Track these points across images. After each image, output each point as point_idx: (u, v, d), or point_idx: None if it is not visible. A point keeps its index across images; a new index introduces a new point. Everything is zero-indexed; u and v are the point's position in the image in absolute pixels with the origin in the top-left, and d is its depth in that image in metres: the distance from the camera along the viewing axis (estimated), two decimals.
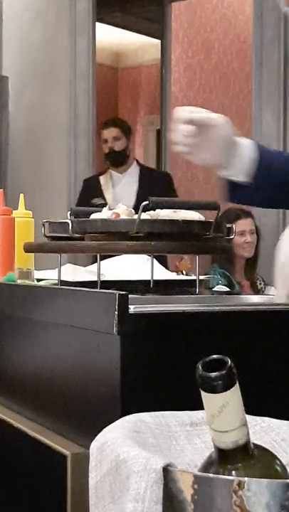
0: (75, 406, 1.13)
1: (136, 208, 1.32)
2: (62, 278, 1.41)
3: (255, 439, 0.77)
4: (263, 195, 1.36)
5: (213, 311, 1.07)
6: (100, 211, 1.44)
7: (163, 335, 1.02)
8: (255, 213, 3.77)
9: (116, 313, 0.97)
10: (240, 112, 6.14)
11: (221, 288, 2.28)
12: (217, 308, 1.09)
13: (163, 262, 1.87)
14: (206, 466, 0.75)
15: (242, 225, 3.66)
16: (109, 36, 6.36)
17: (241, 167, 1.31)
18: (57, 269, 1.42)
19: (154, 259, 1.38)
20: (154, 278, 1.40)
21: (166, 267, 2.00)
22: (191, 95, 6.70)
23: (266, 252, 3.74)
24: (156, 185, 4.01)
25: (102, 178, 4.28)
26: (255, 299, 1.44)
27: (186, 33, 6.69)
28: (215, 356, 0.71)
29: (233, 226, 1.43)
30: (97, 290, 1.23)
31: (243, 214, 3.68)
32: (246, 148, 1.31)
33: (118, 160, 4.25)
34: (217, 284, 2.95)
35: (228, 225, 1.41)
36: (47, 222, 1.45)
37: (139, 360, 0.99)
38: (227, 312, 1.09)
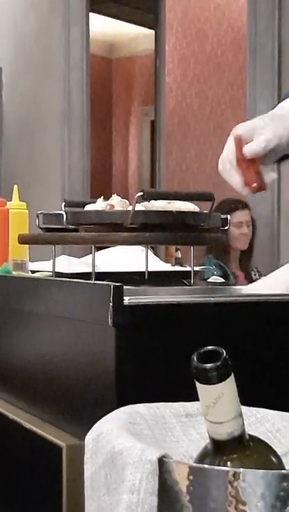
0: (70, 397, 1.13)
1: None
2: (57, 270, 1.41)
3: (250, 430, 0.77)
4: None
5: (208, 302, 1.07)
6: (95, 202, 1.44)
7: (158, 326, 1.02)
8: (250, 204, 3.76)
9: (111, 304, 0.97)
10: (234, 102, 6.14)
11: (215, 279, 2.28)
12: (212, 299, 1.09)
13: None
14: (202, 457, 0.75)
15: (240, 216, 3.62)
16: (103, 27, 6.33)
17: None
18: (51, 260, 1.42)
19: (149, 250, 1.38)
20: (149, 269, 1.40)
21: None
22: (185, 86, 6.69)
23: (261, 242, 3.74)
24: None
25: None
26: None
27: (180, 23, 6.67)
28: (210, 347, 0.71)
29: (228, 217, 1.43)
30: (92, 282, 1.23)
31: (240, 205, 3.64)
32: None
33: None
34: (212, 275, 2.95)
35: (223, 216, 1.40)
36: (41, 213, 1.45)
37: (134, 352, 0.99)
38: (222, 303, 1.08)
